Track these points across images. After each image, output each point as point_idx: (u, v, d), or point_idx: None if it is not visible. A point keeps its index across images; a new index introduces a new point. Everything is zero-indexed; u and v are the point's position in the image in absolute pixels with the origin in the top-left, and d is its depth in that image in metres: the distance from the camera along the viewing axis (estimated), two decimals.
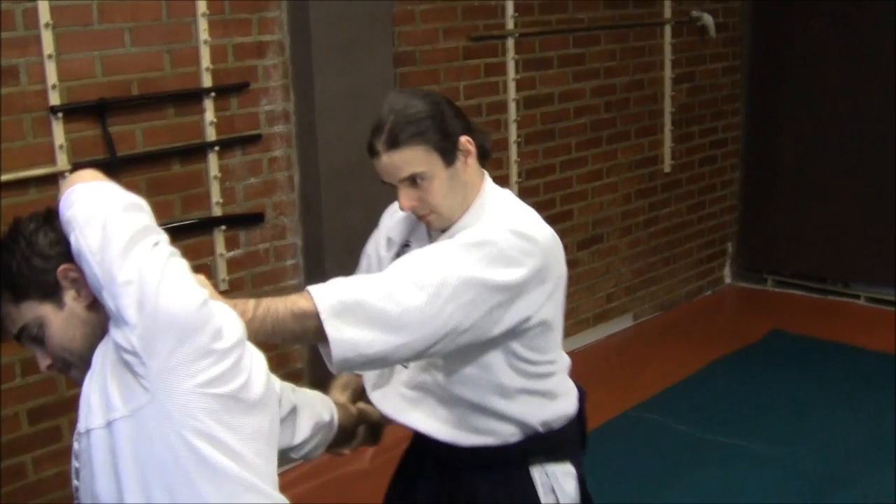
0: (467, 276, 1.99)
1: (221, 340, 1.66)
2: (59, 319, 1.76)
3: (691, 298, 6.34)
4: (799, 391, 4.96)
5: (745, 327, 5.89)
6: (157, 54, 3.67)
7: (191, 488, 1.61)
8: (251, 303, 1.96)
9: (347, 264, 4.20)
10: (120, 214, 1.72)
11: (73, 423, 3.57)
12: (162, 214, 3.69)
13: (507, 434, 2.22)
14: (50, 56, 3.35)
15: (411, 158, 2.10)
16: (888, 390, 4.93)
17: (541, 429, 2.24)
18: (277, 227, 4.14)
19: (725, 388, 5.00)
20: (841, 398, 4.88)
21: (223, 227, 3.94)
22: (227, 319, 1.72)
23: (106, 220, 1.70)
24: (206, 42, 3.76)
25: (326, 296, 1.95)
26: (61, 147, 3.42)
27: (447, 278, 1.97)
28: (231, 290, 3.96)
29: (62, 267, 1.75)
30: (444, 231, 2.20)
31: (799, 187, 6.32)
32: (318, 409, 2.25)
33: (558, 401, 2.27)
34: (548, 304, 2.12)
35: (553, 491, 2.25)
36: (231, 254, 3.99)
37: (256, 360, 1.78)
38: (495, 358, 2.15)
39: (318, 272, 4.18)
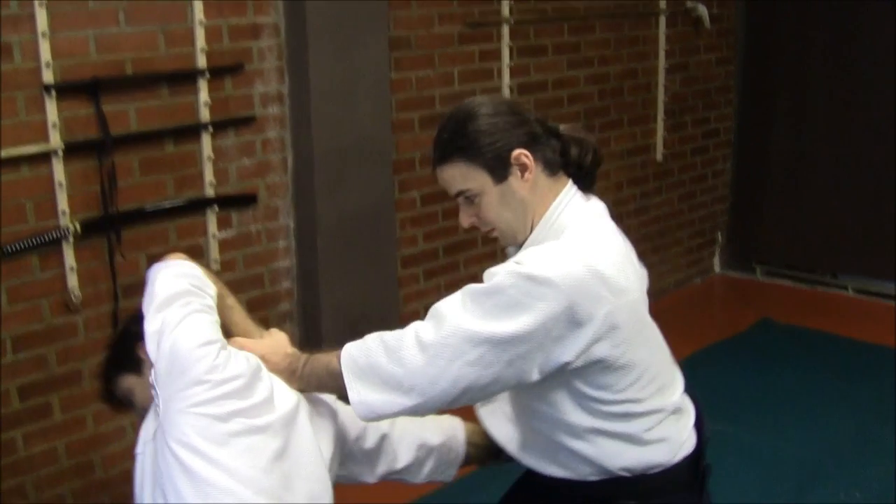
0: (470, 332, 1.86)
1: (217, 372, 1.93)
2: (140, 386, 2.14)
3: (680, 287, 6.36)
4: (786, 381, 4.98)
5: (733, 316, 5.92)
6: (152, 34, 3.66)
7: (175, 490, 1.86)
8: (301, 360, 2.10)
9: (340, 247, 4.23)
10: (166, 280, 2.09)
11: (63, 400, 3.61)
12: (154, 194, 3.73)
13: (585, 473, 2.05)
14: (44, 34, 3.34)
15: (456, 175, 2.03)
16: (876, 381, 4.95)
17: (624, 473, 2.03)
18: (270, 209, 4.15)
19: (713, 377, 5.01)
20: (828, 389, 4.90)
21: (215, 208, 3.94)
22: (233, 358, 1.99)
23: (154, 286, 2.09)
24: (200, 23, 3.75)
25: (350, 357, 1.97)
26: (54, 125, 3.41)
27: (448, 338, 1.87)
28: (223, 271, 3.97)
29: (138, 344, 2.11)
30: (520, 247, 2.07)
31: (790, 179, 6.34)
32: (421, 434, 2.35)
33: (647, 448, 2.02)
34: (599, 345, 1.89)
35: None
36: (223, 234, 3.99)
37: (280, 394, 2.03)
38: (560, 395, 1.99)
39: (310, 255, 4.19)
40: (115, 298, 3.66)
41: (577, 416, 1.99)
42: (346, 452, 2.22)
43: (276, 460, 1.92)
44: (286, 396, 2.03)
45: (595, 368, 1.92)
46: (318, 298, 4.21)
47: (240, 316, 2.22)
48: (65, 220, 3.48)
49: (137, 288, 3.71)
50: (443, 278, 4.85)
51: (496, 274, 1.89)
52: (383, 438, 2.30)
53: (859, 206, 6.03)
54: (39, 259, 3.48)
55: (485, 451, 2.40)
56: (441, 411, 2.22)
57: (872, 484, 3.99)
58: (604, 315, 1.87)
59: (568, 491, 2.09)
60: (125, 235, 3.65)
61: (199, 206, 3.89)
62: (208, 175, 3.89)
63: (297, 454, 1.98)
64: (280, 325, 4.23)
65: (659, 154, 5.98)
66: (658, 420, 2.02)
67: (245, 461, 1.88)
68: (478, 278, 4.71)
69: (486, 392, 1.94)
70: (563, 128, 2.13)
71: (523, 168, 2.01)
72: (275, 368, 2.07)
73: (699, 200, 6.45)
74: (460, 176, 2.03)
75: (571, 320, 1.85)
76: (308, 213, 4.16)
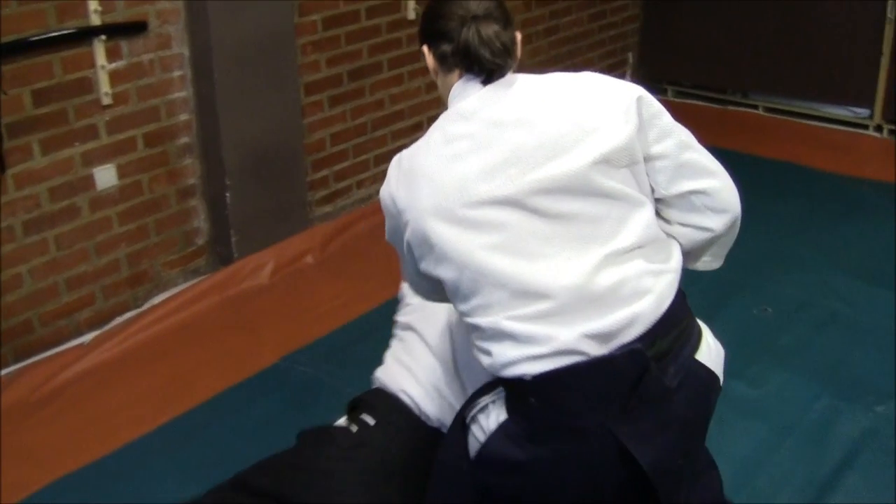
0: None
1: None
2: None
3: None
4: None
5: None
6: None
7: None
8: None
9: (238, 74, 4.03)
10: None
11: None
12: (34, 25, 3.47)
13: None
14: None
15: None
16: (786, 198, 5.02)
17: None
18: (162, 37, 3.90)
19: None
20: (741, 207, 4.93)
21: (103, 38, 3.68)
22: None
23: None
24: None
25: None
26: None
27: None
28: (115, 105, 3.76)
29: None
30: None
31: None
32: None
33: (476, 352, 2.00)
34: (422, 259, 2.00)
35: (479, 426, 2.04)
36: (113, 66, 3.74)
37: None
38: None
39: (207, 84, 4.00)
40: (0, 139, 3.44)
41: None
42: None
43: (413, 337, 2.62)
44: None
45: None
46: (219, 130, 4.03)
47: None
48: None
49: (23, 126, 3.52)
50: (349, 105, 4.68)
51: None
52: None
53: (770, 25, 6.01)
54: None
55: None
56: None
57: (783, 298, 4.05)
58: (401, 231, 2.03)
59: None
60: (5, 70, 3.40)
61: (85, 35, 3.63)
62: (92, 2, 3.61)
63: (423, 330, 2.61)
64: (181, 159, 4.06)
65: None
66: (478, 336, 1.97)
67: (398, 349, 2.66)
68: (384, 104, 4.64)
69: (428, 274, 2.02)
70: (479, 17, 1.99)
71: (428, 64, 2.11)
72: None
73: (610, 20, 6.33)
74: None
75: (396, 234, 2.07)
76: (203, 40, 3.93)
